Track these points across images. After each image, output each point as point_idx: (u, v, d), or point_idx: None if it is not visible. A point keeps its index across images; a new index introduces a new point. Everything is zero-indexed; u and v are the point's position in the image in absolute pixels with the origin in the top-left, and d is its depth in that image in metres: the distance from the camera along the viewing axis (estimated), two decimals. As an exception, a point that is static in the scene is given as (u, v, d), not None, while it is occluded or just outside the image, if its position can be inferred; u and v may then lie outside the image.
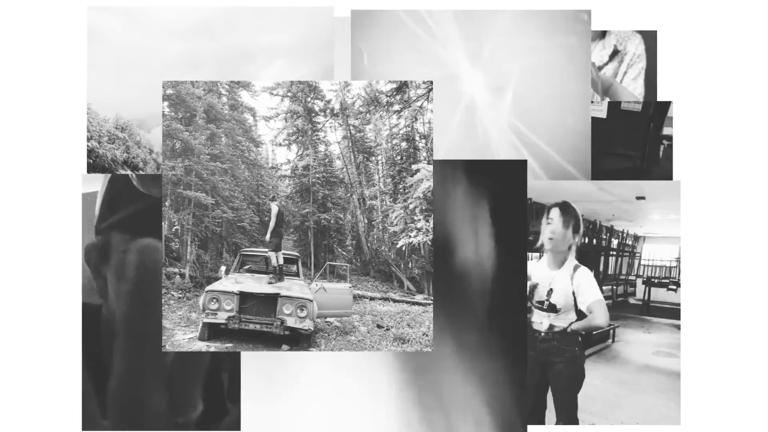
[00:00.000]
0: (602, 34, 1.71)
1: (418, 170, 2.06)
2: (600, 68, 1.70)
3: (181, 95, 1.99)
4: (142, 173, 1.61)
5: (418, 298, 2.59)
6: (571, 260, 1.55)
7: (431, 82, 1.62)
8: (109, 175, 1.55)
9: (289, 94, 2.26)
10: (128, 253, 1.36)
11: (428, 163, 1.56)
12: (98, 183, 1.60)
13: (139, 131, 1.71)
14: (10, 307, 1.66)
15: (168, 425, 1.59)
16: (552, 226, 1.55)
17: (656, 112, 1.67)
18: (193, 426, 1.53)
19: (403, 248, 2.49)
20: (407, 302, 2.59)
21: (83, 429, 1.59)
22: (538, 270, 1.59)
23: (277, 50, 1.62)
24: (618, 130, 1.67)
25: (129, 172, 1.59)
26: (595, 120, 1.65)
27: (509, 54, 1.63)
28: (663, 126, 1.67)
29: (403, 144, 2.56)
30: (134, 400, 1.29)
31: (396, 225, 2.46)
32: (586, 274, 1.54)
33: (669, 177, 1.66)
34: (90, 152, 1.64)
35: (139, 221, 1.53)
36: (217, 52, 1.59)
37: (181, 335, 2.02)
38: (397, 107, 2.11)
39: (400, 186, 2.48)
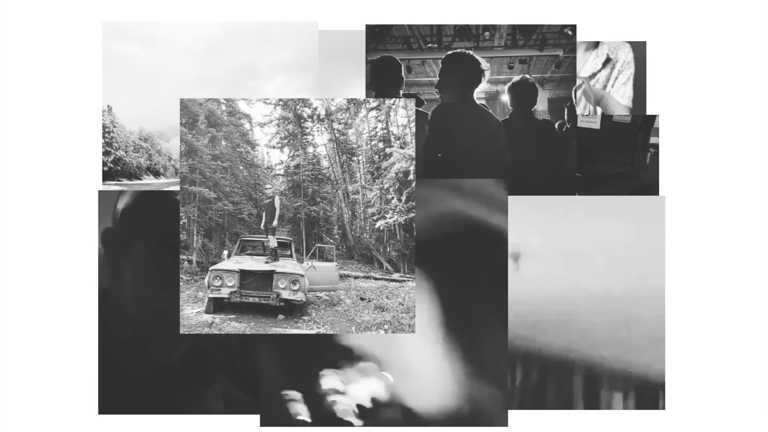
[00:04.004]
0: (596, 45, 1.69)
1: (391, 154, 2.11)
2: (594, 75, 1.70)
3: (183, 102, 2.02)
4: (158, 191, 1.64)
5: (395, 276, 2.66)
6: None
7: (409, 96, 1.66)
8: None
9: (281, 102, 2.31)
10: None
11: (400, 147, 1.62)
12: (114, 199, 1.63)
13: (159, 141, 1.75)
14: (28, 306, 1.62)
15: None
16: None
17: (644, 123, 1.67)
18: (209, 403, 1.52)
19: (381, 228, 2.55)
20: (386, 279, 2.64)
21: (99, 413, 1.58)
22: None
23: (278, 66, 1.65)
24: (610, 140, 1.67)
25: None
26: (589, 131, 1.67)
27: (505, 63, 1.66)
28: (650, 136, 1.67)
29: (380, 144, 2.64)
30: (149, 382, 1.27)
31: (373, 205, 2.53)
32: None
33: (656, 181, 1.65)
34: (118, 161, 1.68)
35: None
36: (225, 69, 1.64)
37: (190, 310, 2.05)
38: (373, 104, 2.17)
39: (376, 174, 2.56)
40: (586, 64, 1.69)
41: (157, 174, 1.85)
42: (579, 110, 1.70)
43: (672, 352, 1.62)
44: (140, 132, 1.69)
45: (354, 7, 1.67)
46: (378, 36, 1.64)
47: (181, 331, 1.61)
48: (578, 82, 1.68)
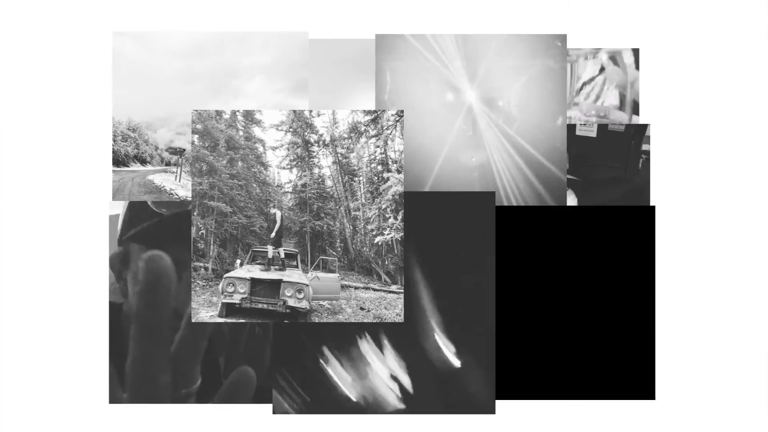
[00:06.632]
0: (594, 53, 1.71)
1: (388, 178, 2.20)
2: (591, 80, 1.71)
3: (207, 129, 2.09)
4: (158, 201, 1.67)
5: (393, 287, 2.69)
6: None
7: (401, 112, 1.70)
8: (128, 202, 1.62)
9: (291, 129, 2.39)
10: (138, 261, 1.40)
11: (397, 172, 1.70)
12: (120, 208, 1.67)
13: (146, 132, 1.78)
14: (38, 298, 1.64)
15: (174, 397, 1.50)
16: None
17: (636, 131, 1.68)
18: (194, 398, 1.53)
19: (380, 244, 2.62)
20: (384, 291, 2.68)
21: (110, 403, 1.60)
22: None
23: (257, 68, 1.70)
24: (605, 147, 1.70)
25: (148, 201, 1.65)
26: (586, 139, 1.69)
27: (500, 72, 1.65)
28: (642, 143, 1.69)
29: (379, 167, 2.73)
30: (147, 377, 1.30)
31: (372, 222, 2.60)
32: None
33: (647, 185, 1.66)
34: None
35: (153, 235, 1.60)
36: (208, 69, 1.69)
37: (205, 313, 2.09)
38: (373, 133, 2.26)
39: (375, 193, 2.64)
40: (586, 70, 1.71)
41: (143, 162, 1.87)
42: (586, 106, 1.70)
43: (663, 348, 1.59)
44: (129, 122, 1.73)
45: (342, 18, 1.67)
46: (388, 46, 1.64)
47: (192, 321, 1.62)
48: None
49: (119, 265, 1.60)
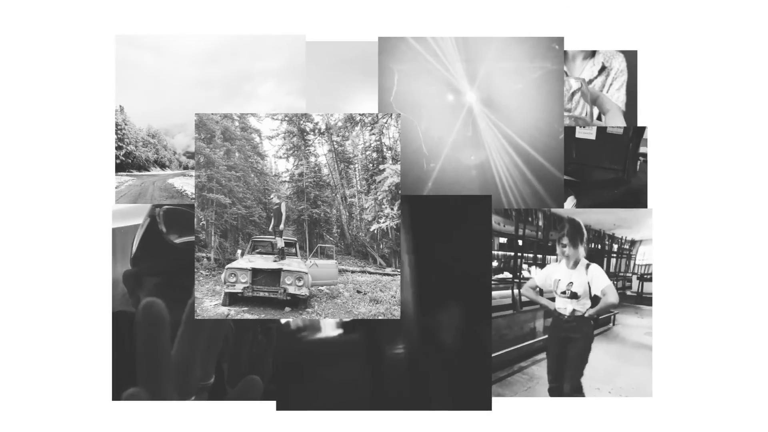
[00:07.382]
0: (592, 53, 1.72)
1: (384, 169, 2.22)
2: (590, 81, 1.73)
3: (203, 120, 2.10)
4: (169, 208, 1.69)
5: (388, 270, 2.76)
6: (583, 261, 1.75)
7: (399, 114, 1.72)
8: (148, 220, 1.65)
9: (286, 118, 2.39)
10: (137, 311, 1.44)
11: (392, 163, 1.72)
12: (128, 216, 1.70)
13: (165, 137, 1.82)
14: (42, 295, 1.66)
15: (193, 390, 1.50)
16: (566, 250, 1.73)
17: (634, 134, 1.71)
18: (207, 395, 1.53)
19: (375, 232, 2.66)
20: (379, 274, 2.74)
21: (113, 399, 1.62)
22: (559, 270, 1.79)
23: (269, 72, 1.72)
24: (604, 149, 1.74)
25: (160, 223, 1.68)
26: (585, 141, 1.73)
27: (499, 74, 1.68)
28: (640, 146, 1.72)
29: (374, 154, 2.74)
30: (155, 375, 1.30)
31: (369, 213, 2.64)
32: (596, 269, 1.76)
33: (645, 186, 1.69)
34: (128, 154, 1.76)
35: (162, 264, 1.64)
36: (223, 74, 1.71)
37: (208, 302, 2.14)
38: (368, 121, 2.26)
39: (372, 185, 2.66)
40: (584, 71, 1.73)
41: (163, 166, 1.92)
42: (577, 112, 1.73)
43: (661, 347, 1.61)
44: (148, 129, 1.77)
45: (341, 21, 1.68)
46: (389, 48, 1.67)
47: (196, 317, 1.66)
48: (575, 84, 1.70)
49: (132, 282, 1.68)
